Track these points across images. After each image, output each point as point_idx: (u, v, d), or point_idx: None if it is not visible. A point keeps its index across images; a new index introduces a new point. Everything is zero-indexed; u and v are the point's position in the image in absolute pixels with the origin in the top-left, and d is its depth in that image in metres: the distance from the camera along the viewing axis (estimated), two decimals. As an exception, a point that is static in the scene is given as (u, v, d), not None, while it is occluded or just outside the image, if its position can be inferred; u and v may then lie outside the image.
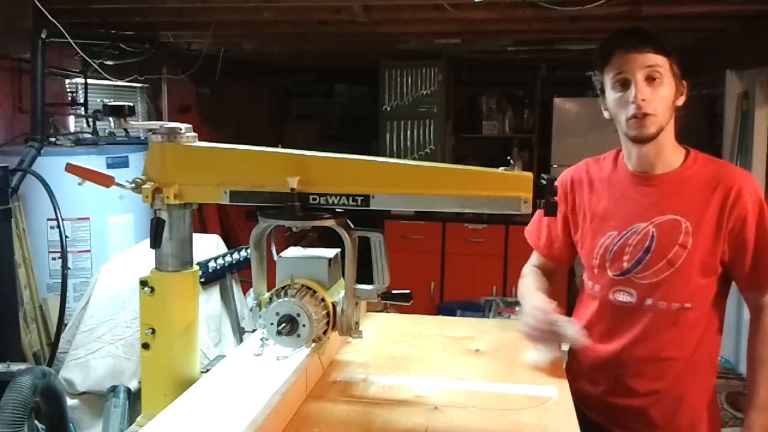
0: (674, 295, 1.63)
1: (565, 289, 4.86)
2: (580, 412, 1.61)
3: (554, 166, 5.48)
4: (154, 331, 1.43)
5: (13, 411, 1.75)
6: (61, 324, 2.84)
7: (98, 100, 4.13)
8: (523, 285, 1.91)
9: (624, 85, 1.59)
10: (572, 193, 1.80)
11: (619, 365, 1.71)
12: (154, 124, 1.42)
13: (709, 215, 1.59)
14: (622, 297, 1.68)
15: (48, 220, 3.11)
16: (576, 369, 1.80)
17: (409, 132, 5.41)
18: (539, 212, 1.30)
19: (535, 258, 1.98)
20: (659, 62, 1.56)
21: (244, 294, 3.09)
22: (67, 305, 2.89)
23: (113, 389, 2.51)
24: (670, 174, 1.65)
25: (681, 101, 1.62)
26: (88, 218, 3.24)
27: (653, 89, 1.56)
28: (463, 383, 1.54)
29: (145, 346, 1.44)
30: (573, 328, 1.62)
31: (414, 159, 5.23)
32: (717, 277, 1.64)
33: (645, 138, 1.60)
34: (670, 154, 1.65)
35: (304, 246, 1.62)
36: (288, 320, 1.39)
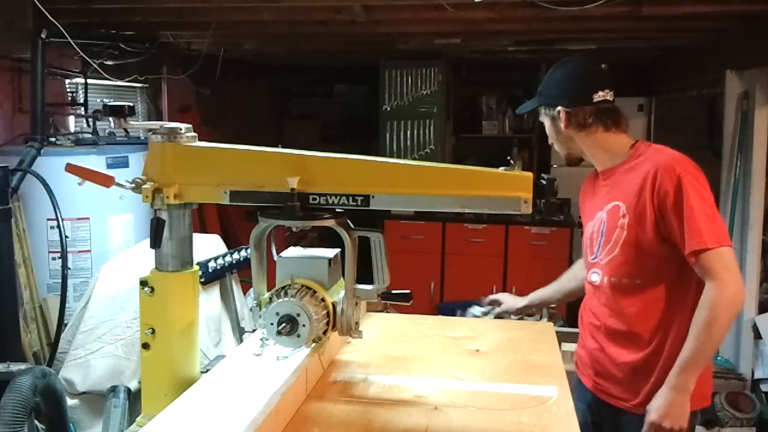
0: (621, 271, 1.82)
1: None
2: (578, 379, 1.93)
3: (554, 166, 5.48)
4: (154, 331, 1.43)
5: (13, 411, 1.75)
6: (61, 324, 2.84)
7: (98, 100, 4.13)
8: None
9: None
10: (583, 198, 2.07)
11: (600, 336, 1.91)
12: (154, 124, 1.42)
13: (641, 198, 1.77)
14: (594, 277, 1.91)
15: (48, 220, 3.11)
16: (579, 340, 2.05)
17: (409, 132, 5.41)
18: None
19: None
20: (540, 116, 1.95)
21: (244, 294, 3.09)
22: (67, 305, 2.89)
23: (113, 389, 2.51)
24: (616, 167, 1.88)
25: (563, 125, 1.87)
26: (88, 218, 3.23)
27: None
28: (463, 383, 1.54)
29: (145, 346, 1.44)
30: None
31: (414, 159, 5.23)
32: (666, 255, 1.76)
33: (566, 164, 1.97)
34: (609, 154, 1.89)
35: (304, 246, 1.62)
36: (288, 320, 1.39)
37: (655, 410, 1.71)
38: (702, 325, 1.68)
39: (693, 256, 1.69)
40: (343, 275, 1.47)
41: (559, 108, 1.86)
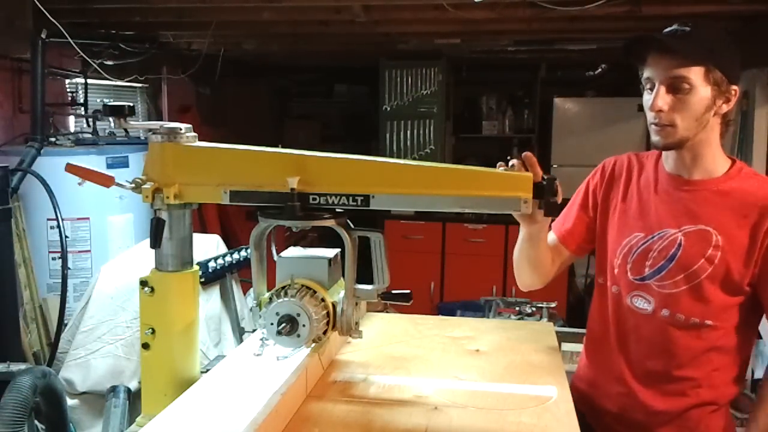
0: (693, 309, 1.53)
1: (565, 288, 4.86)
2: (587, 424, 1.60)
3: (554, 166, 5.49)
4: (154, 331, 1.43)
5: (13, 411, 1.75)
6: (61, 324, 2.84)
7: (98, 100, 4.14)
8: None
9: (652, 88, 1.50)
10: (610, 182, 1.70)
11: (633, 378, 1.62)
12: (154, 124, 1.42)
13: (743, 232, 1.48)
14: (640, 303, 1.59)
15: (48, 220, 3.11)
16: (592, 379, 1.73)
17: (409, 132, 5.42)
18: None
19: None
20: (689, 73, 1.45)
21: (244, 294, 3.08)
22: (67, 305, 2.89)
23: (113, 389, 2.51)
24: (708, 182, 1.54)
25: (724, 109, 1.49)
26: (88, 218, 3.24)
27: (677, 100, 1.46)
28: (463, 383, 1.54)
29: (145, 346, 1.44)
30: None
31: (414, 159, 5.23)
32: (745, 297, 1.52)
33: (663, 147, 1.53)
34: (711, 162, 1.54)
35: (304, 246, 1.62)
36: (288, 320, 1.39)
37: None
38: None
39: None
40: (343, 275, 1.47)
41: (736, 87, 1.49)
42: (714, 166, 1.55)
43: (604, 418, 1.67)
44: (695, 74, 1.45)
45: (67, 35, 3.13)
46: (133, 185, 1.39)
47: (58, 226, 2.93)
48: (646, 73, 1.51)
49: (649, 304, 1.58)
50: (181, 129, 1.42)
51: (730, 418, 1.64)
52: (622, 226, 1.64)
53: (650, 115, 1.51)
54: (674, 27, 1.51)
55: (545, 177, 1.33)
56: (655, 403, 1.59)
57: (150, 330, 1.43)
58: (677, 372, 1.56)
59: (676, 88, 1.46)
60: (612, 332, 1.66)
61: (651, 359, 1.59)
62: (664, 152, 1.60)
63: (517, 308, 3.62)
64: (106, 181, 1.41)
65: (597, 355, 1.73)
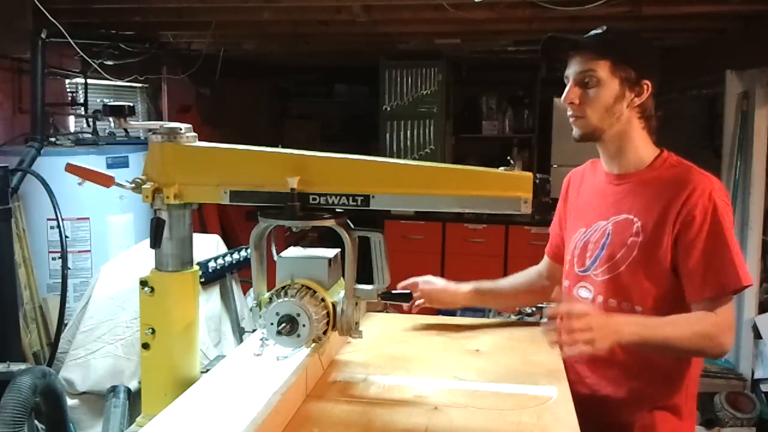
0: (622, 293, 1.59)
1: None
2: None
3: (554, 166, 5.48)
4: (154, 331, 1.43)
5: (13, 411, 1.75)
6: (61, 324, 2.84)
7: (98, 100, 4.14)
8: None
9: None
10: (568, 192, 1.84)
11: (583, 365, 1.68)
12: (154, 124, 1.42)
13: (660, 216, 1.54)
14: (583, 293, 1.68)
15: (48, 220, 3.12)
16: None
17: (409, 132, 5.42)
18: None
19: (542, 261, 1.98)
20: (597, 67, 1.56)
21: (244, 294, 3.08)
22: (67, 305, 2.89)
23: (113, 389, 2.50)
24: (633, 174, 1.63)
25: (636, 101, 1.58)
26: (88, 218, 3.24)
27: (586, 93, 1.58)
28: (463, 383, 1.54)
29: (145, 346, 1.44)
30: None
31: (414, 159, 5.23)
32: (671, 286, 1.54)
33: (580, 137, 1.63)
34: (634, 154, 1.63)
35: (304, 246, 1.62)
36: (288, 320, 1.39)
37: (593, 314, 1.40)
38: (700, 332, 1.46)
39: (712, 300, 1.48)
40: (343, 275, 1.47)
41: (648, 82, 1.58)
42: (638, 158, 1.63)
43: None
44: (602, 68, 1.56)
45: (67, 35, 3.13)
46: (133, 185, 1.39)
47: (58, 226, 2.93)
48: (566, 73, 1.63)
49: (590, 293, 1.66)
50: (181, 129, 1.42)
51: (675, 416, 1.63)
52: (572, 226, 1.77)
53: (568, 110, 1.63)
54: (591, 32, 1.62)
55: (538, 177, 1.34)
56: (601, 389, 1.65)
57: (150, 330, 1.43)
58: (617, 357, 1.58)
59: (585, 82, 1.58)
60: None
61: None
62: (601, 153, 1.71)
63: (517, 308, 3.62)
64: (106, 181, 1.41)
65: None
